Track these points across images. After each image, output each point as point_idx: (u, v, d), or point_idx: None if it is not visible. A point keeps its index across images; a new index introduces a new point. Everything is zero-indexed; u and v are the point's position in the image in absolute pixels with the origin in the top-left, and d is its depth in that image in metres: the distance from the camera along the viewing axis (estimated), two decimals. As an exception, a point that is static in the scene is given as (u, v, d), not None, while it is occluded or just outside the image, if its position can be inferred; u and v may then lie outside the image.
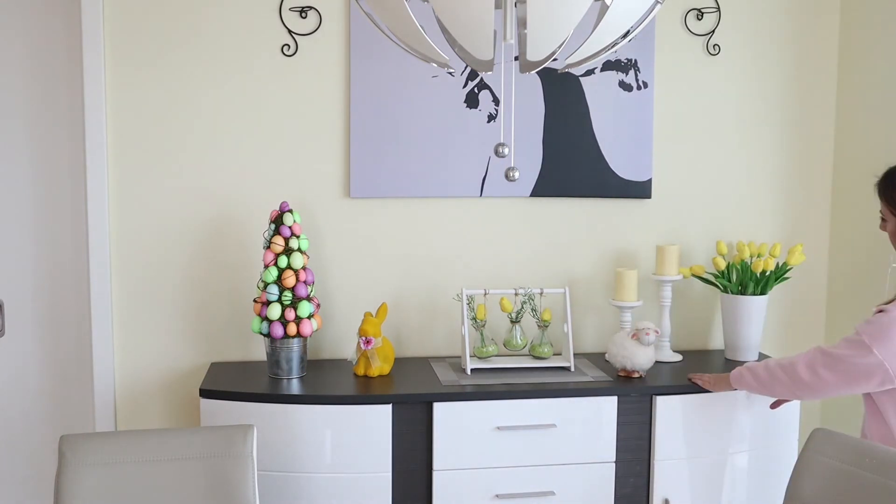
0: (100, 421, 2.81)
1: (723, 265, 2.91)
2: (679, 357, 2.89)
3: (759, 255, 2.90)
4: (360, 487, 2.48)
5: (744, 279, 2.87)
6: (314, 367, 2.76)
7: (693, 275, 2.93)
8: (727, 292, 2.90)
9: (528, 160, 2.91)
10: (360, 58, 2.81)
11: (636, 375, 2.67)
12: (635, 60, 2.95)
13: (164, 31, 2.76)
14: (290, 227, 2.62)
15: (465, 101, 2.88)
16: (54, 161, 2.80)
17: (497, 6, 1.35)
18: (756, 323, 2.88)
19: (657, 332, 2.66)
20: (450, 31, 1.43)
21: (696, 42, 3.02)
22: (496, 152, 1.46)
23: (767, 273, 2.87)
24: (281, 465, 2.46)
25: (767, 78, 3.07)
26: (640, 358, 2.63)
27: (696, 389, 2.61)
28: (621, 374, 2.68)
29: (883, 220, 2.30)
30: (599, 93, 2.93)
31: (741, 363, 2.73)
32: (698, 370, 2.76)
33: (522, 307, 2.80)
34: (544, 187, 2.94)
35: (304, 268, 2.63)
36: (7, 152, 2.79)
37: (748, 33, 3.04)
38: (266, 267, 2.61)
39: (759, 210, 3.11)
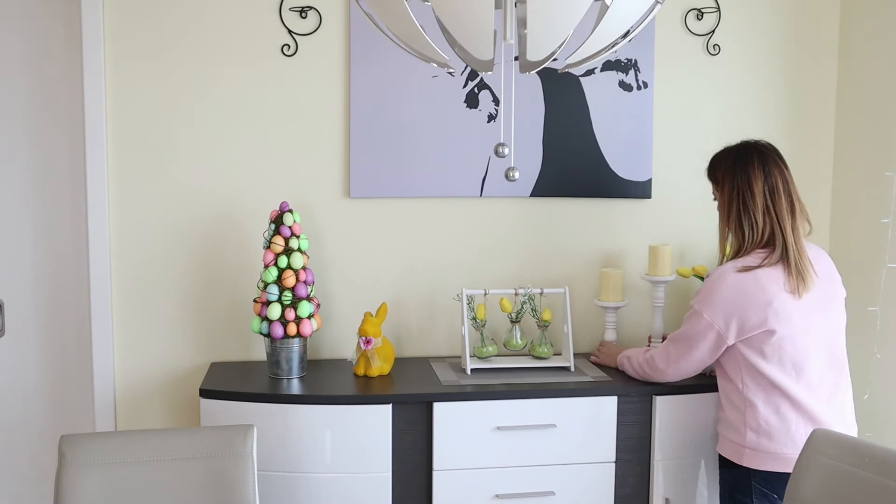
0: (100, 421, 2.81)
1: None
2: None
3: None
4: (360, 487, 2.48)
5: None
6: (314, 367, 2.76)
7: (695, 275, 2.93)
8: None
9: (528, 160, 2.91)
10: (360, 58, 2.82)
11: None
12: (635, 60, 2.95)
13: (164, 31, 2.76)
14: (290, 227, 2.63)
15: (465, 101, 2.88)
16: (54, 161, 2.80)
17: (497, 6, 1.35)
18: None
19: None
20: (450, 31, 1.43)
21: (696, 42, 3.02)
22: (496, 152, 1.46)
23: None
24: (281, 465, 2.46)
25: (767, 78, 3.07)
26: None
27: (696, 389, 2.61)
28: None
29: (715, 199, 2.47)
30: (599, 93, 2.93)
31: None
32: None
33: (522, 307, 2.80)
34: (544, 187, 2.94)
35: (304, 268, 2.63)
36: (7, 152, 2.79)
37: (748, 33, 3.04)
38: (266, 267, 2.61)
39: (759, 210, 3.10)
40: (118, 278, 2.81)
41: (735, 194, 2.35)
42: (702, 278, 2.95)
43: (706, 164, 3.05)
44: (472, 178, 2.91)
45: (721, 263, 2.42)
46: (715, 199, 2.46)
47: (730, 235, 2.39)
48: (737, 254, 2.36)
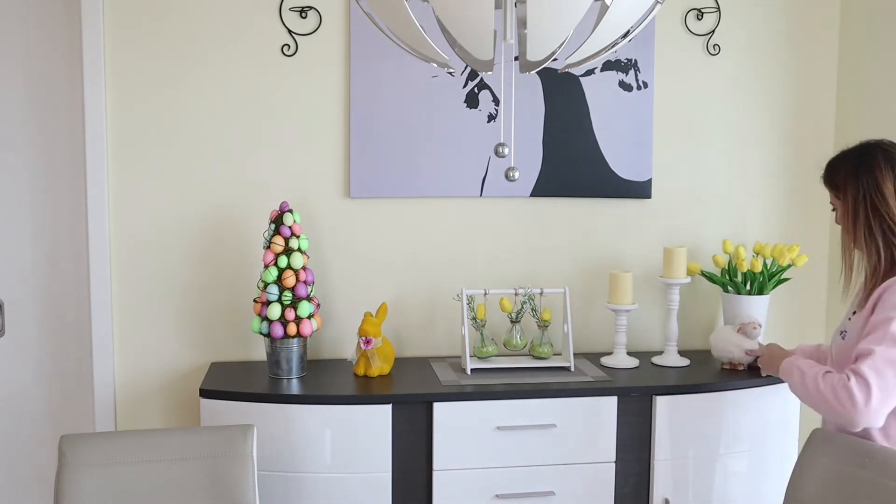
0: (100, 421, 2.81)
1: (723, 263, 2.91)
2: (687, 361, 2.86)
3: (759, 255, 2.90)
4: (360, 487, 2.48)
5: (746, 279, 2.88)
6: (314, 367, 2.76)
7: (689, 273, 2.92)
8: (728, 291, 2.90)
9: (528, 160, 2.91)
10: (360, 58, 2.81)
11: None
12: (635, 60, 2.95)
13: (163, 32, 2.76)
14: (290, 227, 2.63)
15: (465, 101, 2.88)
16: (54, 161, 2.80)
17: (497, 6, 1.35)
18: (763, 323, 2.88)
19: (760, 326, 2.75)
20: (450, 31, 1.43)
21: (696, 42, 3.02)
22: (496, 152, 1.46)
23: (768, 273, 2.87)
24: (281, 465, 2.46)
25: (767, 78, 3.07)
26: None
27: (696, 389, 2.61)
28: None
29: (833, 210, 2.23)
30: (599, 93, 2.93)
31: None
32: (701, 371, 2.77)
33: (522, 307, 2.80)
34: (544, 187, 2.94)
35: (304, 268, 2.63)
36: (7, 153, 2.79)
37: (748, 33, 3.04)
38: (266, 267, 2.61)
39: (759, 210, 3.11)
40: (118, 278, 2.81)
41: (861, 198, 2.09)
42: (707, 277, 2.95)
43: (707, 165, 3.07)
44: (472, 178, 2.91)
45: (847, 283, 2.16)
46: (834, 209, 2.21)
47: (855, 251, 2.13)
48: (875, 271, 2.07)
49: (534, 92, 2.90)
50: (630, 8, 1.33)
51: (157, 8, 2.75)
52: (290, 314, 2.59)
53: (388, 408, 2.49)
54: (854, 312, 2.14)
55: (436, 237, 2.95)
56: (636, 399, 2.60)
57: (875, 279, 2.09)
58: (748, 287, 2.88)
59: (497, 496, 2.54)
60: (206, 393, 2.53)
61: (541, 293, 2.80)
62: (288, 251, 2.61)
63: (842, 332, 2.16)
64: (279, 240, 2.61)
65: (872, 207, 2.07)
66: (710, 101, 3.04)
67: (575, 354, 2.90)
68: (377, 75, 2.82)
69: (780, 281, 2.92)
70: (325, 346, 2.91)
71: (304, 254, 2.65)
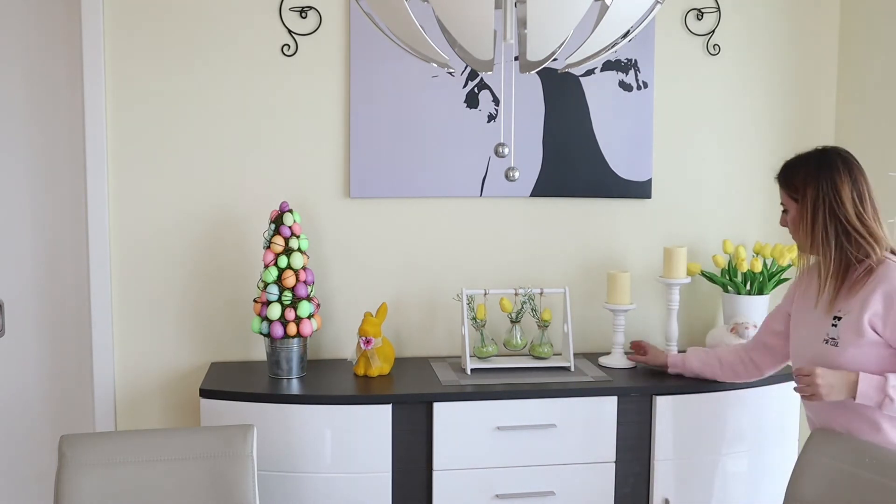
0: (100, 421, 2.81)
1: (723, 263, 2.91)
2: None
3: (759, 255, 2.90)
4: (360, 487, 2.48)
5: (746, 279, 2.88)
6: (314, 367, 2.76)
7: (689, 273, 2.92)
8: (728, 291, 2.90)
9: (528, 160, 2.91)
10: (360, 58, 2.81)
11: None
12: (635, 60, 2.95)
13: (164, 31, 2.76)
14: (290, 227, 2.63)
15: (465, 101, 2.88)
16: (54, 161, 2.80)
17: (497, 6, 1.35)
18: (757, 322, 2.88)
19: (755, 327, 2.71)
20: (450, 31, 1.43)
21: (696, 42, 3.02)
22: (496, 152, 1.46)
23: (768, 273, 2.88)
24: (281, 465, 2.46)
25: (767, 78, 3.07)
26: None
27: (696, 389, 2.61)
28: None
29: (784, 211, 2.26)
30: (599, 93, 2.93)
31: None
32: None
33: (522, 307, 2.80)
34: (544, 187, 2.94)
35: (304, 268, 2.63)
36: (7, 153, 2.79)
37: (748, 33, 3.04)
38: (266, 267, 2.61)
39: (759, 210, 3.10)
40: (118, 278, 2.81)
41: (821, 201, 2.11)
42: (707, 277, 2.95)
43: (707, 165, 3.06)
44: (472, 178, 2.91)
45: (800, 283, 2.28)
46: (784, 211, 2.25)
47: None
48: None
49: (534, 92, 2.90)
50: (630, 8, 1.33)
51: (157, 8, 2.75)
52: (290, 314, 2.59)
53: (388, 408, 2.49)
54: (837, 318, 2.11)
55: (436, 237, 2.95)
56: (636, 399, 2.60)
57: (837, 282, 2.12)
58: (748, 287, 2.89)
59: (497, 496, 2.54)
60: (206, 393, 2.53)
61: (541, 293, 2.80)
62: (288, 251, 2.61)
63: (827, 340, 2.13)
64: (279, 240, 2.61)
65: (831, 211, 2.11)
66: (710, 101, 3.04)
67: (575, 354, 2.90)
68: (377, 75, 2.82)
69: (780, 281, 2.92)
70: (325, 346, 2.91)
71: (304, 254, 2.65)
